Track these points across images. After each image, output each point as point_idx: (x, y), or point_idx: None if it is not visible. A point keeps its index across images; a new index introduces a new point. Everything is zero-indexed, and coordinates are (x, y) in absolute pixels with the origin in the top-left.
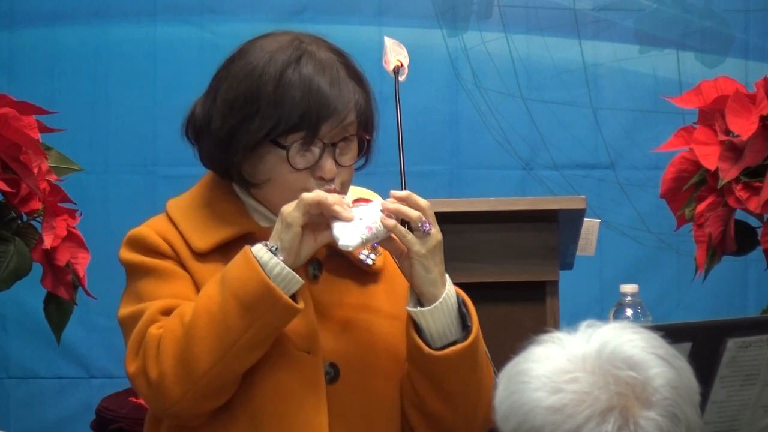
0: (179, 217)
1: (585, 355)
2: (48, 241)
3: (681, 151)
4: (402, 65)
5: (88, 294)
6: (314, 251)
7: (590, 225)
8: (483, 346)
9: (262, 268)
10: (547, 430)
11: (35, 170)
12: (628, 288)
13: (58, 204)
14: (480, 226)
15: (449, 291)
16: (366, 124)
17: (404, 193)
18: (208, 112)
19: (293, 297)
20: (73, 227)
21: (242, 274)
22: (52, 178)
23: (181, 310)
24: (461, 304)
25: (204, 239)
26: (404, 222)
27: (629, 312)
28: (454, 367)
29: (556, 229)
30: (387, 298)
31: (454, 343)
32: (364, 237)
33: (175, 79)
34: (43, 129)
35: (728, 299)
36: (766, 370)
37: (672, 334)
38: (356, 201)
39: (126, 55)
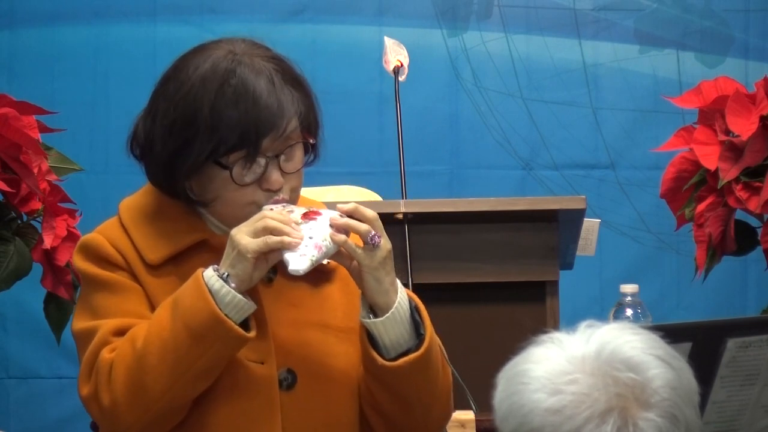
0: (131, 225)
1: (584, 357)
2: (48, 241)
3: (681, 151)
4: (402, 65)
5: None
6: (266, 272)
7: (590, 225)
8: (438, 347)
9: (213, 297)
10: None
11: (35, 170)
12: (628, 288)
13: (58, 204)
14: (480, 226)
15: (401, 299)
16: (309, 128)
17: (351, 206)
18: (149, 133)
19: (246, 321)
20: (73, 227)
21: (193, 304)
22: (52, 178)
23: (133, 333)
24: (414, 310)
25: (156, 251)
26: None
27: (629, 312)
28: (409, 376)
29: (556, 229)
30: (342, 298)
31: (407, 352)
32: (314, 258)
33: None
34: (43, 129)
35: (728, 299)
36: (766, 370)
37: (672, 334)
38: (306, 215)
39: (126, 55)
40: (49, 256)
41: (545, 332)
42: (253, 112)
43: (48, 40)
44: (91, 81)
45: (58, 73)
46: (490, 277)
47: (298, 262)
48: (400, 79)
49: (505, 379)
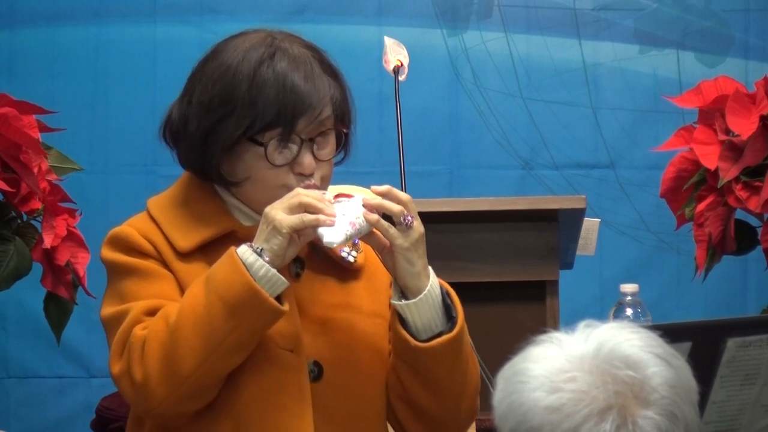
0: (161, 216)
1: (583, 355)
2: (48, 241)
3: (681, 150)
4: (402, 65)
5: (88, 293)
6: (299, 250)
7: (590, 225)
8: (468, 338)
9: (248, 270)
10: (545, 430)
11: (35, 170)
12: (628, 288)
13: (58, 204)
14: (480, 226)
15: (433, 283)
16: (343, 118)
17: (384, 187)
18: (184, 114)
19: (278, 298)
20: (73, 227)
21: (228, 277)
22: (52, 177)
23: (166, 310)
24: (445, 295)
25: (187, 239)
26: (386, 216)
27: (629, 312)
28: (440, 359)
29: (556, 229)
30: (368, 295)
31: (439, 335)
32: (348, 233)
33: (175, 79)
34: (43, 129)
35: (728, 299)
36: (766, 370)
37: (672, 333)
38: (337, 196)
39: (126, 55)
40: (49, 255)
41: (545, 332)
42: (291, 92)
43: (48, 40)
44: (91, 81)
45: (58, 73)
46: (490, 277)
47: (332, 234)
48: (400, 78)
49: (504, 378)
